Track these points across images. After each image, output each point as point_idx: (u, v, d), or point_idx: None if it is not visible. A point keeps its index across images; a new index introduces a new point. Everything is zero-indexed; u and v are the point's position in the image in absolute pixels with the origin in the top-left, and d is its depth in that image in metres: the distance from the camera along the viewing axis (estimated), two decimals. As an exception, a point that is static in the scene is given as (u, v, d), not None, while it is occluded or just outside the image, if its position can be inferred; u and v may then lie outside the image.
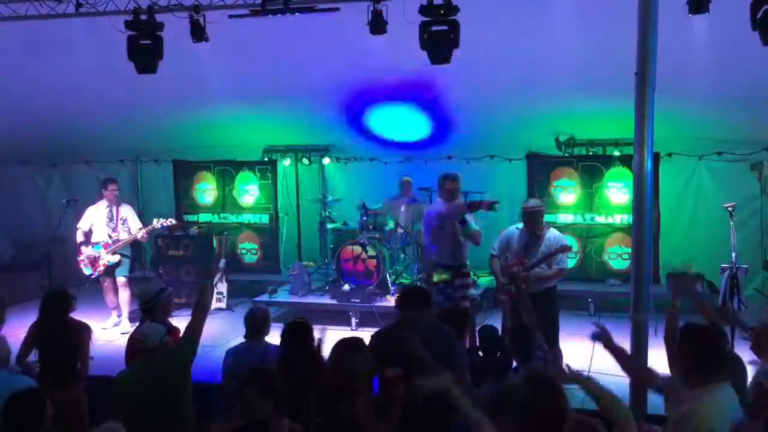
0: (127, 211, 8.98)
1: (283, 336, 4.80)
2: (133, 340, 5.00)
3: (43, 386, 4.80)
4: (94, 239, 8.79)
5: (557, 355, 6.35)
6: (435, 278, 6.84)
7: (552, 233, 6.53)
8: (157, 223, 8.86)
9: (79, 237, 8.84)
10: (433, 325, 4.68)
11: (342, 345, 4.23)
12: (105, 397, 5.29)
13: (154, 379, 4.31)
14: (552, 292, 6.53)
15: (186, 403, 4.44)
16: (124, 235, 8.79)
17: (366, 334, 6.36)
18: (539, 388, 3.20)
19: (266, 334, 5.21)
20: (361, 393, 3.96)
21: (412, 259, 9.62)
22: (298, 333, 4.79)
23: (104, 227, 8.80)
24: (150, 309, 5.14)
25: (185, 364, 4.45)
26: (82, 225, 8.86)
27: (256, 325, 5.15)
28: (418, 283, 8.28)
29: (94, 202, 9.05)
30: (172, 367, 4.39)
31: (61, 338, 5.26)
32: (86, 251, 8.74)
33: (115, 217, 8.85)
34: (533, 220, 6.49)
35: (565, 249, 6.46)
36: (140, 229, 8.86)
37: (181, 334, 5.11)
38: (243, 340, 5.20)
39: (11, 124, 9.69)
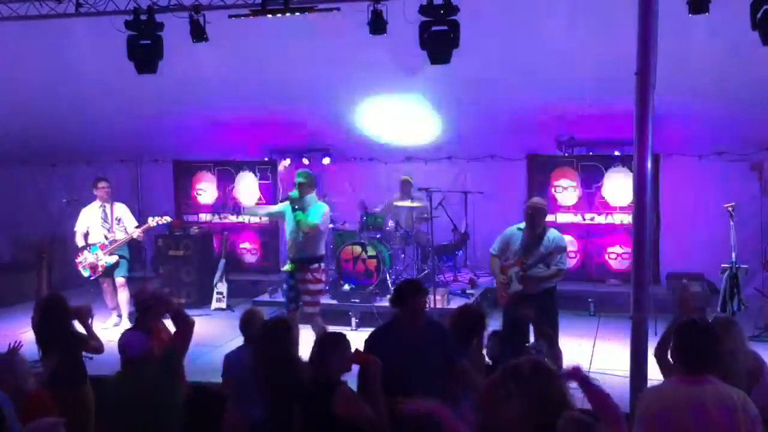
0: (121, 210, 8.94)
1: (262, 337, 4.70)
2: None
3: (52, 389, 4.80)
4: (90, 240, 8.76)
5: (557, 355, 6.36)
6: (283, 268, 7.37)
7: (552, 234, 6.49)
8: (152, 221, 8.82)
9: (79, 241, 8.79)
10: (427, 319, 4.68)
11: (322, 341, 4.25)
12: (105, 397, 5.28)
13: (139, 388, 4.24)
14: (551, 293, 6.51)
15: (176, 408, 4.40)
16: (120, 235, 8.75)
17: (366, 335, 6.37)
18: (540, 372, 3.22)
19: None
20: (339, 386, 3.99)
21: (412, 259, 9.63)
22: (276, 333, 4.65)
23: (99, 228, 8.76)
24: (144, 311, 5.11)
25: (173, 370, 4.41)
26: (79, 227, 8.83)
27: (251, 329, 5.13)
28: None
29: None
30: (156, 377, 4.31)
31: (66, 342, 5.23)
32: (80, 258, 8.70)
33: (109, 217, 8.81)
34: (534, 218, 6.45)
35: (561, 250, 6.45)
36: (136, 227, 8.83)
37: (164, 334, 5.07)
38: (243, 341, 5.18)
39: (11, 124, 9.70)
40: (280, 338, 4.54)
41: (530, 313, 6.20)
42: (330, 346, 4.16)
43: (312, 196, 7.12)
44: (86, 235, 8.82)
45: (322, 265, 7.25)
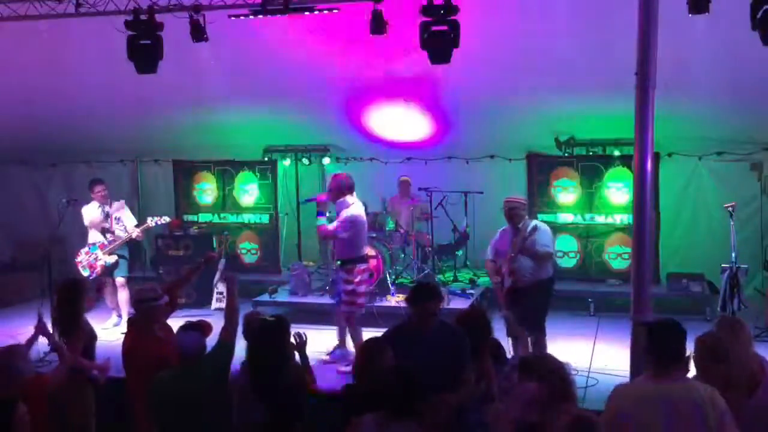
0: (120, 210, 8.95)
1: (253, 334, 4.71)
2: (132, 341, 4.98)
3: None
4: (90, 240, 8.77)
5: (542, 344, 6.50)
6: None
7: (529, 222, 6.61)
8: (151, 221, 8.82)
9: (92, 237, 8.80)
10: (440, 323, 4.66)
11: (369, 347, 4.26)
12: (105, 396, 5.27)
13: (196, 384, 4.32)
14: (543, 286, 6.58)
15: (225, 406, 4.44)
16: (120, 234, 8.77)
17: (366, 335, 6.37)
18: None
19: None
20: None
21: (412, 259, 9.63)
22: (270, 333, 4.64)
23: (99, 228, 8.78)
24: (138, 311, 5.11)
25: (224, 368, 4.46)
26: (87, 224, 8.83)
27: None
28: None
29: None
30: (211, 372, 4.40)
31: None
32: (80, 258, 8.69)
33: (108, 217, 8.82)
34: (509, 215, 6.61)
35: (534, 229, 6.46)
36: (135, 226, 8.84)
37: (165, 333, 5.06)
38: (243, 339, 5.16)
39: (11, 124, 9.70)
40: (272, 339, 4.54)
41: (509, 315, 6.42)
42: (377, 352, 4.18)
43: (341, 201, 7.10)
44: (87, 234, 8.84)
45: (361, 266, 7.17)
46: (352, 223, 6.99)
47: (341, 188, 7.09)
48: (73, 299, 5.22)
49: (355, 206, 7.09)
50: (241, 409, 4.47)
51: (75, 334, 5.08)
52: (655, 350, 3.71)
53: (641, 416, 3.56)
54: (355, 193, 7.19)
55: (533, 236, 6.41)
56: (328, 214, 7.29)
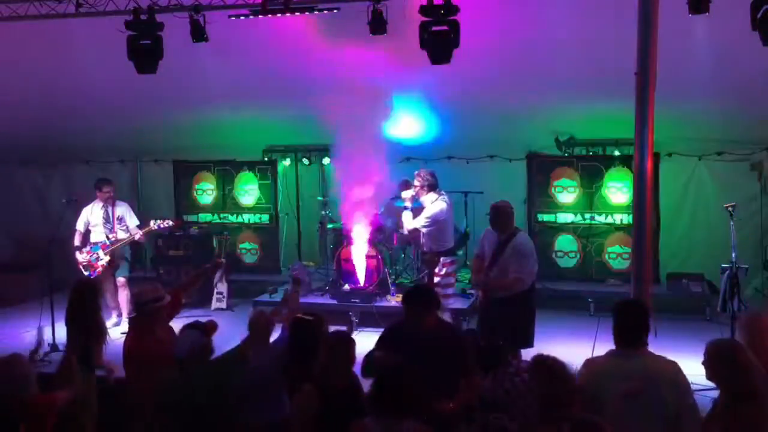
0: (122, 210, 8.95)
1: (292, 332, 4.74)
2: (132, 342, 4.98)
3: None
4: (92, 240, 8.78)
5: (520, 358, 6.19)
6: None
7: (518, 239, 6.23)
8: (154, 224, 8.83)
9: (76, 240, 8.81)
10: (439, 324, 4.65)
11: (330, 339, 4.32)
12: (105, 396, 5.28)
13: (192, 386, 4.26)
14: (523, 297, 6.22)
15: (224, 408, 4.40)
16: (122, 235, 8.77)
17: (366, 334, 6.39)
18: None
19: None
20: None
21: (412, 259, 9.63)
22: (308, 330, 4.68)
23: (101, 228, 8.78)
24: (140, 312, 5.11)
25: (226, 376, 4.41)
26: (78, 226, 8.85)
27: (262, 329, 5.13)
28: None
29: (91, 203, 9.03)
30: (212, 376, 4.35)
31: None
32: (81, 257, 8.71)
33: (111, 217, 8.82)
34: (492, 220, 6.40)
35: (518, 255, 6.13)
36: (137, 227, 8.85)
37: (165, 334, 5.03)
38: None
39: (11, 123, 9.70)
40: (308, 334, 4.57)
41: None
42: (334, 346, 4.21)
43: (426, 197, 7.62)
44: (87, 234, 8.84)
45: (446, 259, 7.63)
46: (435, 219, 7.52)
47: (424, 185, 7.62)
48: (88, 300, 5.23)
49: (438, 203, 7.58)
50: (253, 407, 4.51)
51: (98, 335, 5.12)
52: (616, 327, 3.89)
53: (599, 389, 3.70)
54: (439, 190, 7.69)
55: (512, 262, 6.15)
56: (410, 207, 7.85)
